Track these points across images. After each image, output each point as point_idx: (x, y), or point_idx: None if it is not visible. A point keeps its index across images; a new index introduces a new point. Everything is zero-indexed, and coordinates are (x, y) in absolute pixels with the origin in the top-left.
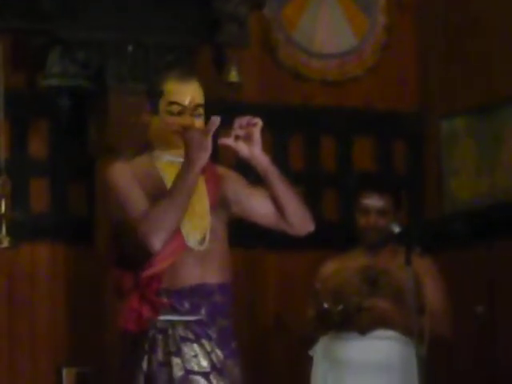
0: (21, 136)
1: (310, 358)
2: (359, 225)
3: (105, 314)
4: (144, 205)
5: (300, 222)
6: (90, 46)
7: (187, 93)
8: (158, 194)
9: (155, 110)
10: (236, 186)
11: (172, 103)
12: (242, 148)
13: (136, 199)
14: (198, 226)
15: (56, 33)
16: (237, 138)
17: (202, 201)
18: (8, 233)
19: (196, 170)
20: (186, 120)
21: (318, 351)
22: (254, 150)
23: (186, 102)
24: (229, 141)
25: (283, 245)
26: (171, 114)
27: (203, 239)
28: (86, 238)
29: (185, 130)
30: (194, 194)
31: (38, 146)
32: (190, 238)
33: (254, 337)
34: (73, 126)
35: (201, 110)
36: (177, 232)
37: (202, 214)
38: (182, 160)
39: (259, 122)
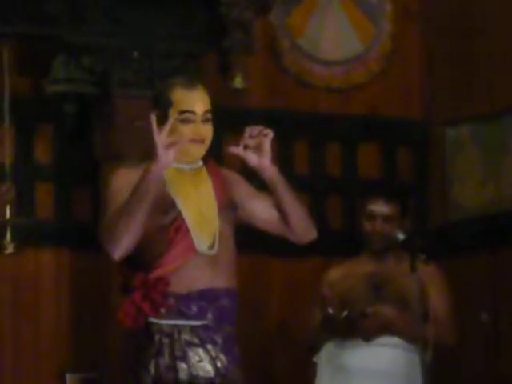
0: (26, 141)
1: (314, 365)
2: (364, 230)
3: (109, 320)
4: None
5: (303, 230)
6: (95, 52)
7: (197, 100)
8: (160, 201)
9: (165, 119)
10: (241, 190)
11: (184, 112)
12: (251, 158)
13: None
14: (207, 230)
15: (61, 38)
16: (246, 147)
17: (210, 204)
18: (12, 238)
19: (149, 177)
20: (198, 128)
21: (323, 358)
22: (263, 161)
23: (198, 110)
24: (238, 150)
25: (288, 251)
26: (183, 122)
27: (213, 243)
28: (91, 243)
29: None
30: (203, 197)
31: (42, 152)
32: (200, 242)
33: (258, 343)
34: (78, 132)
35: (209, 116)
36: (186, 235)
37: (210, 217)
38: (189, 167)
39: (270, 132)
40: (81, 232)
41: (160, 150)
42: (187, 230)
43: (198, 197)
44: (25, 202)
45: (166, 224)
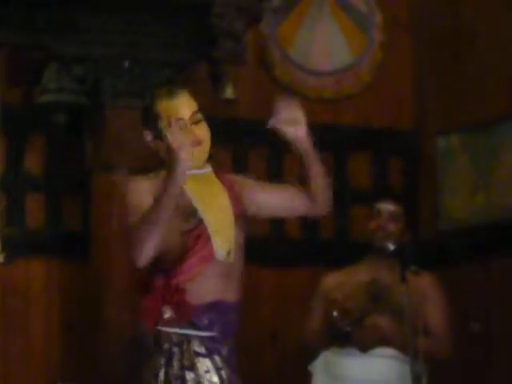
0: (17, 151)
1: (305, 374)
2: (370, 227)
3: (100, 330)
4: None
5: (324, 202)
6: (86, 62)
7: (183, 105)
8: (181, 208)
9: (158, 134)
10: (248, 188)
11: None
12: (289, 130)
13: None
14: (225, 237)
15: (52, 48)
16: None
17: (227, 213)
18: (3, 248)
19: (171, 186)
20: (191, 131)
21: (318, 366)
22: (301, 132)
23: (184, 115)
24: (276, 122)
25: (279, 261)
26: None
27: (229, 251)
28: (82, 253)
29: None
30: (220, 204)
31: (33, 162)
32: (219, 249)
33: (249, 352)
34: (69, 142)
35: (199, 116)
36: (207, 242)
37: (228, 225)
38: (202, 172)
39: (298, 104)
40: (71, 242)
41: (178, 153)
42: (208, 238)
43: (216, 204)
44: (15, 212)
45: (186, 231)
